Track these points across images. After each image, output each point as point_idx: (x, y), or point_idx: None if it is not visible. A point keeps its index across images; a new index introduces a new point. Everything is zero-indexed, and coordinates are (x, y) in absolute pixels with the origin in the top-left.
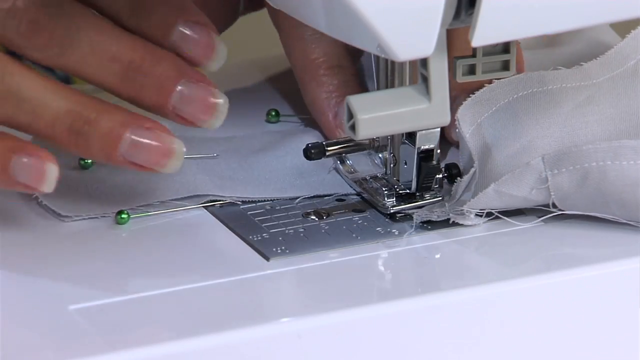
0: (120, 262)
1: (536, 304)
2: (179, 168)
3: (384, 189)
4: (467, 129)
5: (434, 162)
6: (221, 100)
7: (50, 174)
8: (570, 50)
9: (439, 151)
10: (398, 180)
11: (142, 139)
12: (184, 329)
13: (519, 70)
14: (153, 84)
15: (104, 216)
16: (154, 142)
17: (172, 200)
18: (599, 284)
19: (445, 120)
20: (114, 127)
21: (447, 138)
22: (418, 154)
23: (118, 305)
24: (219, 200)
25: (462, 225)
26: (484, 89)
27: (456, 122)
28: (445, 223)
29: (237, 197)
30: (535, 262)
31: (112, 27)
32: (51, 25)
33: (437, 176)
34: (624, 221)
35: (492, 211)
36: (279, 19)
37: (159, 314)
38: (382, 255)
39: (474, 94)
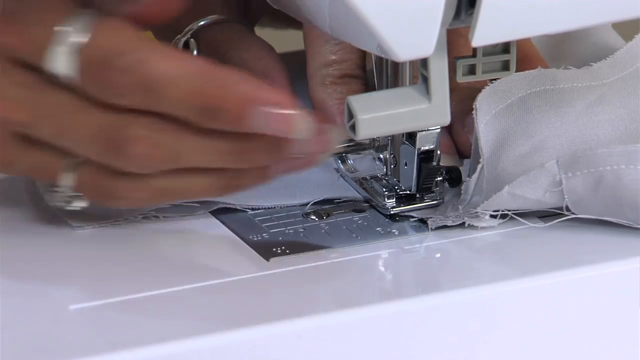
0: (121, 263)
1: (538, 304)
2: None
3: (384, 189)
4: (483, 118)
5: (434, 163)
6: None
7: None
8: (577, 58)
9: (439, 152)
10: (398, 181)
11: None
12: (184, 329)
13: (534, 67)
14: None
15: (115, 223)
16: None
17: (183, 204)
18: (601, 284)
19: (446, 120)
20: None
21: (456, 139)
22: (418, 154)
23: (118, 305)
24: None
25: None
26: (502, 79)
27: (474, 111)
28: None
29: (247, 205)
30: (538, 263)
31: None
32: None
33: (437, 179)
34: (637, 226)
35: (507, 212)
36: None
37: (159, 314)
38: (382, 255)
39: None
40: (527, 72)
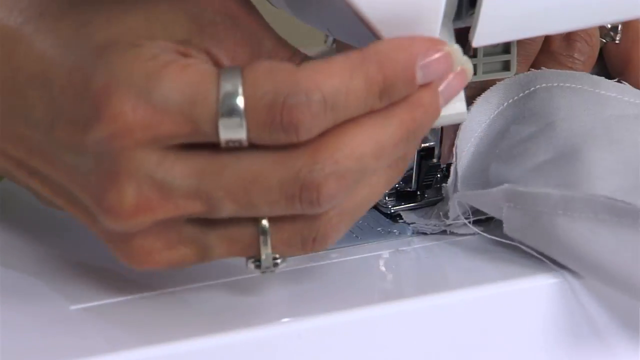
0: (121, 262)
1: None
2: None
3: None
4: (492, 111)
5: (434, 160)
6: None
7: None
8: None
9: (439, 148)
10: None
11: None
12: (184, 329)
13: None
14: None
15: None
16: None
17: None
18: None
19: (462, 112)
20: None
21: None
22: (418, 151)
23: (118, 305)
24: None
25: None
26: (527, 72)
27: (474, 105)
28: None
29: None
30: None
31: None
32: None
33: (438, 175)
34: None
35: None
36: None
37: (159, 314)
38: (382, 255)
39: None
40: (563, 70)
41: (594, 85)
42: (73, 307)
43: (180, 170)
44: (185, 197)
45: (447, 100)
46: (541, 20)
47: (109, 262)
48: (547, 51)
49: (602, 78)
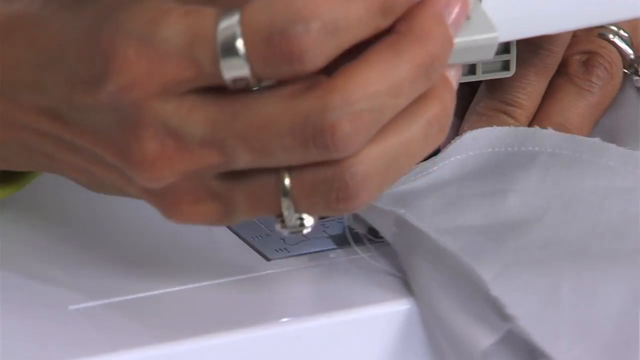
0: (121, 262)
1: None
2: None
3: None
4: (475, 150)
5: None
6: None
7: None
8: None
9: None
10: None
11: None
12: (184, 329)
13: None
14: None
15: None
16: None
17: None
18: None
19: (493, 31)
20: None
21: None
22: None
23: (118, 305)
24: None
25: None
26: (531, 129)
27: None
28: None
29: None
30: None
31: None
32: None
33: None
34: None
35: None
36: None
37: (159, 314)
38: (383, 255)
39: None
40: (572, 135)
41: (596, 154)
42: (72, 307)
43: (195, 119)
44: (201, 146)
45: (456, 29)
46: (541, 20)
47: (109, 262)
48: (564, 73)
49: (613, 146)
